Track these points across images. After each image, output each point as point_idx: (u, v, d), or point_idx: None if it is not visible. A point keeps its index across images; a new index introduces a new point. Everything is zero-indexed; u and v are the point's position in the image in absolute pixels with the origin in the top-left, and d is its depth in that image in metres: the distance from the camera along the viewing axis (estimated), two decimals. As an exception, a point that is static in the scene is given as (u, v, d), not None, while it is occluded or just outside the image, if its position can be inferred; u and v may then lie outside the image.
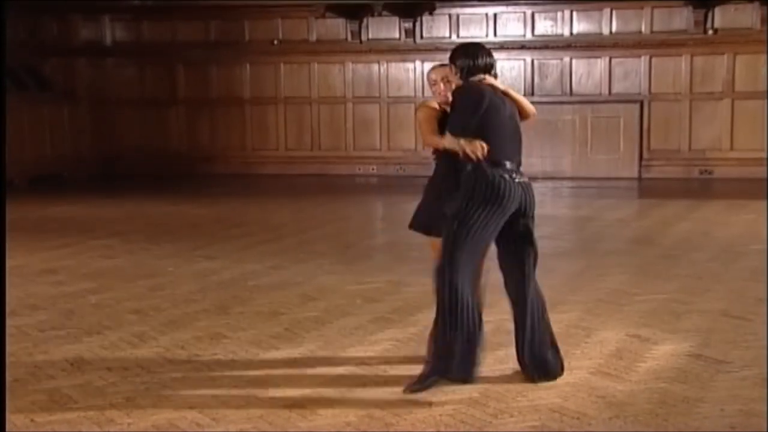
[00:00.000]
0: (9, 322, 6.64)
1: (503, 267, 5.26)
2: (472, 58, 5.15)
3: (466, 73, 5.14)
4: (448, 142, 5.06)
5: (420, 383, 5.04)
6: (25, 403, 4.98)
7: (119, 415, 4.79)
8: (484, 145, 4.92)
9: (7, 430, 4.59)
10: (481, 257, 5.13)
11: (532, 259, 5.20)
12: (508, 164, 5.07)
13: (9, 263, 8.99)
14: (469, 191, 5.01)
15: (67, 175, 16.98)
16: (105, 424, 4.68)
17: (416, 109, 5.56)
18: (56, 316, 6.91)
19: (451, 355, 5.02)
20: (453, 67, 5.19)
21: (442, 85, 5.34)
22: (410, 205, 5.22)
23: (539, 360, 5.23)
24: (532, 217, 5.21)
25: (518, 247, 5.19)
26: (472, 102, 5.03)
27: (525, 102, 5.31)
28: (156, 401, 5.00)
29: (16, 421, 4.71)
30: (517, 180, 5.07)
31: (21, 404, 4.95)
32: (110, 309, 7.13)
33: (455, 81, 5.22)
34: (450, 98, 5.22)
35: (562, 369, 5.30)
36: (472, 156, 4.92)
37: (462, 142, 4.95)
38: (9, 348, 5.98)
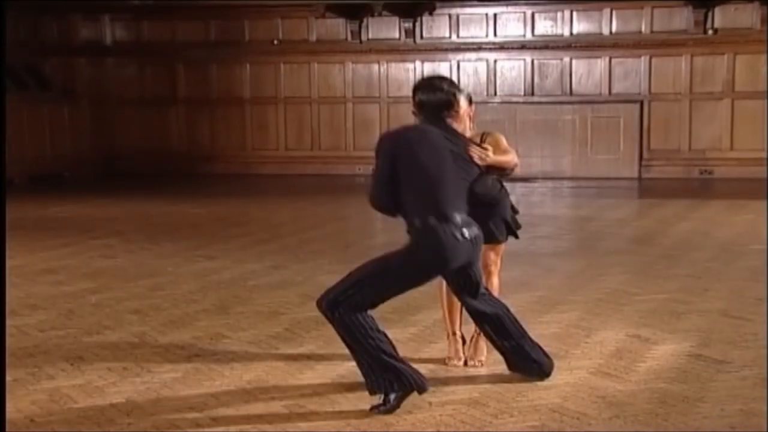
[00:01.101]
0: (9, 322, 6.63)
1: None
2: (425, 94, 4.91)
3: (423, 109, 4.92)
4: None
5: (385, 405, 4.78)
6: (25, 403, 4.98)
7: (119, 414, 4.79)
8: None
9: (6, 430, 4.59)
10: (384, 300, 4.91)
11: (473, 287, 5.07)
12: (458, 218, 4.76)
13: (9, 263, 8.98)
14: (414, 247, 4.79)
15: (67, 174, 16.99)
16: (105, 423, 4.68)
17: None
18: (56, 316, 6.91)
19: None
20: (413, 101, 4.97)
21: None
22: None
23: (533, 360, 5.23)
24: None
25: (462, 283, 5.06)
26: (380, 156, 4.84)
27: (504, 160, 5.07)
28: (156, 401, 5.00)
29: (17, 421, 4.71)
30: (468, 237, 4.76)
31: (21, 404, 4.95)
32: (110, 309, 7.13)
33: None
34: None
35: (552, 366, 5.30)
36: None
37: None
38: (10, 348, 5.98)
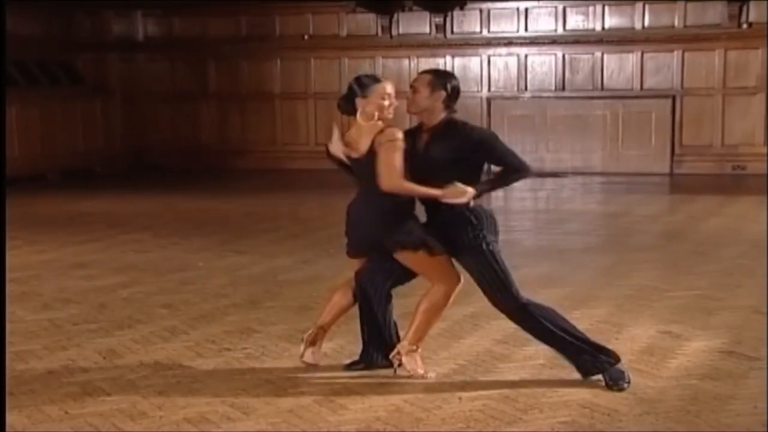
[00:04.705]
0: (43, 315, 6.74)
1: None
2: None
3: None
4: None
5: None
6: (59, 394, 5.04)
7: (151, 407, 4.83)
8: None
9: (40, 420, 4.65)
10: None
11: None
12: None
13: (41, 257, 9.12)
14: None
15: (99, 169, 17.11)
16: (137, 416, 4.72)
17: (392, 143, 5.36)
18: (88, 310, 6.97)
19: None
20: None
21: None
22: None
23: None
24: None
25: None
26: None
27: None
28: (187, 394, 5.03)
29: (51, 412, 4.76)
30: None
31: (55, 396, 5.01)
32: (141, 303, 7.18)
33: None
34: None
35: None
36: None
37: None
38: (43, 341, 6.07)
